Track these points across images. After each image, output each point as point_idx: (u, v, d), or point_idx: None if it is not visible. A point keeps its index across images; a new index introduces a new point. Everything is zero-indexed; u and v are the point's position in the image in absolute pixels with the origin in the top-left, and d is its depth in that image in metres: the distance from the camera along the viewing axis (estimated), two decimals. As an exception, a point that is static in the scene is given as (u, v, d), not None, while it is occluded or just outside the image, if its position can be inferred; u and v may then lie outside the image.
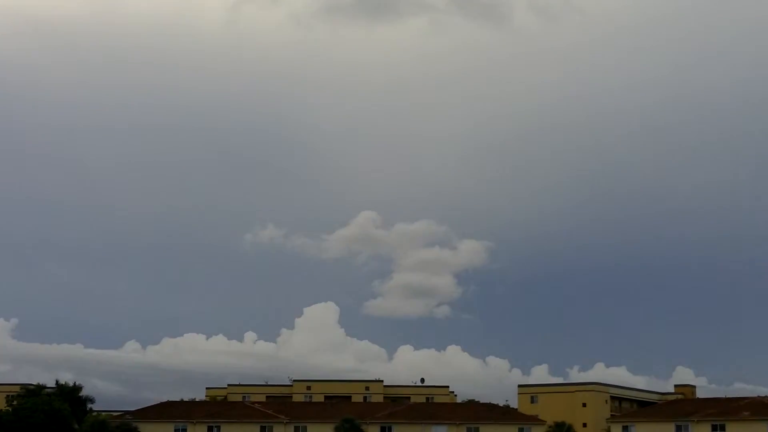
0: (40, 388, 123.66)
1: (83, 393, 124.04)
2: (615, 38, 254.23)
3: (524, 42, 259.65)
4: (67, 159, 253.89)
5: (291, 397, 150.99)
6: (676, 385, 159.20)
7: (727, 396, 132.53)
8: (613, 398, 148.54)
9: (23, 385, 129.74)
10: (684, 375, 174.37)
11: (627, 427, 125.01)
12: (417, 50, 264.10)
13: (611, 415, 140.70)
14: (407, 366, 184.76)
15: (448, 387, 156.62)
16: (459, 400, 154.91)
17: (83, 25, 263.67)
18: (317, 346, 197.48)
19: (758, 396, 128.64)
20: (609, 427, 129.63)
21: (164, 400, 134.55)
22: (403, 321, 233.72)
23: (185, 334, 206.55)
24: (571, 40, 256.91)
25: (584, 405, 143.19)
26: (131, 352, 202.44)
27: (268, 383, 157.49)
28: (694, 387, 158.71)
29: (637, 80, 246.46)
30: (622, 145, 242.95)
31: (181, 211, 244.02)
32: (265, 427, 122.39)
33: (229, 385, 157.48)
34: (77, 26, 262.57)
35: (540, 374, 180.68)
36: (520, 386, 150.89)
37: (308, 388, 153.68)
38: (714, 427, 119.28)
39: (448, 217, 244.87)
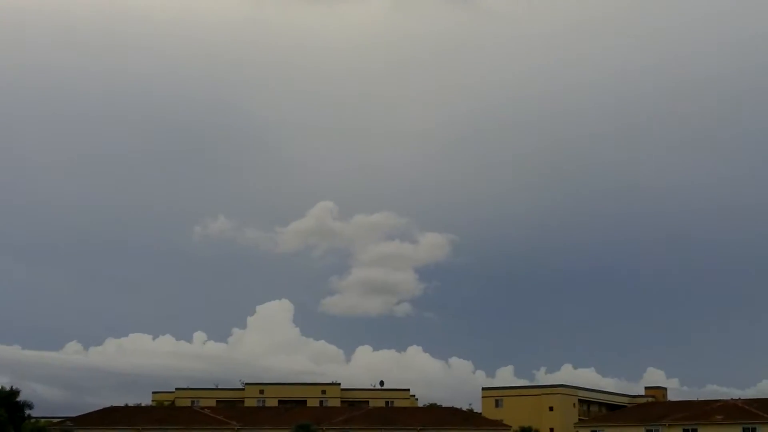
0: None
1: (21, 398, 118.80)
2: (592, 24, 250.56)
3: (495, 26, 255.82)
4: (2, 155, 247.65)
5: (243, 401, 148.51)
6: (646, 388, 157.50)
7: (700, 399, 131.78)
8: (581, 401, 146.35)
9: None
10: (655, 377, 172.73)
11: (596, 431, 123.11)
12: (379, 33, 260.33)
13: (579, 419, 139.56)
14: (366, 368, 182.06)
15: (408, 390, 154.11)
16: (420, 404, 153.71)
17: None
18: (271, 347, 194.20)
19: (731, 399, 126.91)
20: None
21: (108, 405, 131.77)
22: (362, 320, 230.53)
23: (130, 335, 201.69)
24: (545, 25, 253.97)
25: (551, 409, 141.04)
26: (72, 354, 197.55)
27: (219, 387, 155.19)
28: (665, 389, 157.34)
29: (614, 72, 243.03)
30: (596, 141, 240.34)
31: (126, 204, 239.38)
32: None
33: (177, 388, 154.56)
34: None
35: (505, 376, 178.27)
36: (484, 389, 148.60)
37: (261, 391, 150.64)
38: (686, 431, 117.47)
39: (410, 208, 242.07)
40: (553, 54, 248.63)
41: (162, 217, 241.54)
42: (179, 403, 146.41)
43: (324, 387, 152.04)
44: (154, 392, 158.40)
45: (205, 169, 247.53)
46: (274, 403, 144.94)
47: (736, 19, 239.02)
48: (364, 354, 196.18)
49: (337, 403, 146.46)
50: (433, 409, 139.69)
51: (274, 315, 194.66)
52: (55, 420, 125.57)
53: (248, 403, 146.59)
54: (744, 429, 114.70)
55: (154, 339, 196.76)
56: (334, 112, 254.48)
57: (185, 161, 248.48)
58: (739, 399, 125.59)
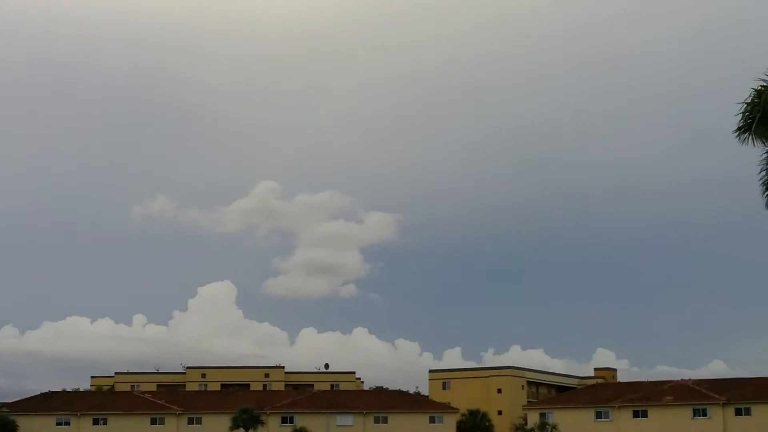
0: None
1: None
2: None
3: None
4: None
5: (184, 385, 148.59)
6: (596, 369, 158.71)
7: (650, 380, 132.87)
8: (530, 383, 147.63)
9: None
10: (605, 357, 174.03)
11: (545, 414, 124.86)
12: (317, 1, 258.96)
13: (528, 401, 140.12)
14: (310, 350, 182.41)
15: (354, 373, 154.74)
16: (366, 387, 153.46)
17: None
18: (213, 330, 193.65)
19: (682, 379, 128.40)
20: (526, 415, 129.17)
21: (45, 390, 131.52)
22: (306, 301, 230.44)
23: (67, 318, 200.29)
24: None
25: (499, 391, 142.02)
26: (8, 338, 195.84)
27: (159, 371, 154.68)
28: (615, 370, 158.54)
29: (560, 37, 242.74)
30: (546, 112, 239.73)
31: (62, 183, 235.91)
32: (156, 418, 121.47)
33: (116, 373, 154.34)
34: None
35: (453, 358, 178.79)
36: (431, 371, 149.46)
37: (203, 375, 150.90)
38: (636, 414, 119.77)
39: (355, 187, 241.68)
40: (500, 16, 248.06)
41: (100, 197, 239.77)
42: (119, 387, 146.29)
43: (267, 370, 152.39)
44: (92, 377, 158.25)
45: (145, 147, 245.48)
46: (216, 387, 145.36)
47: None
48: (309, 336, 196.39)
49: (281, 386, 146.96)
50: (380, 392, 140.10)
51: (216, 297, 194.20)
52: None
53: (190, 387, 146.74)
54: (695, 410, 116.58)
55: (92, 322, 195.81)
56: (277, 89, 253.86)
57: (125, 139, 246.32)
58: (690, 380, 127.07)
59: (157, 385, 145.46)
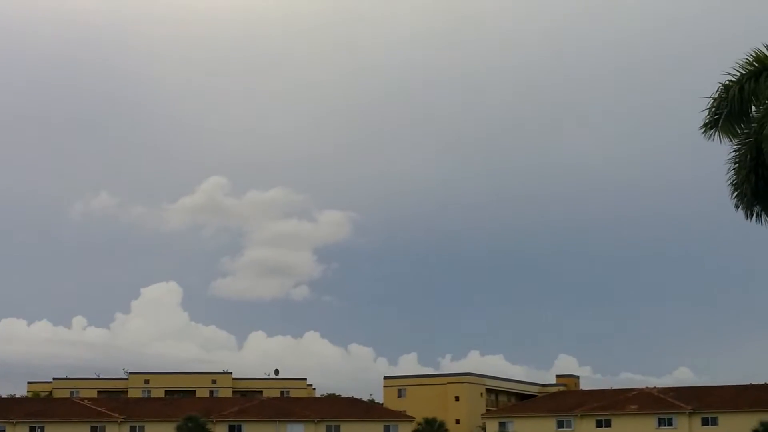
0: None
1: None
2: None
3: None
4: None
5: (126, 392, 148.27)
6: (558, 376, 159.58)
7: (614, 387, 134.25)
8: (489, 391, 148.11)
9: None
10: (567, 364, 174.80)
11: (504, 423, 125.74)
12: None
13: (487, 409, 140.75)
14: (259, 355, 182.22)
15: (305, 380, 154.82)
16: (318, 394, 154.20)
17: None
18: (157, 333, 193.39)
19: (647, 387, 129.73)
20: (484, 424, 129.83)
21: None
22: (256, 304, 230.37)
23: (2, 320, 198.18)
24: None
25: (457, 399, 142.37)
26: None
27: (100, 376, 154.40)
28: (577, 378, 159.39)
29: (535, 31, 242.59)
30: (506, 106, 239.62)
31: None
32: (96, 426, 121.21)
33: (54, 378, 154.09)
34: None
35: (408, 364, 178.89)
36: (386, 378, 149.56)
37: (146, 381, 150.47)
38: (599, 423, 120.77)
39: (307, 184, 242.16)
40: (466, 6, 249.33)
41: (37, 193, 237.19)
42: (57, 394, 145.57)
43: (214, 376, 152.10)
44: (29, 382, 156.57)
45: (86, 140, 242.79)
46: (160, 393, 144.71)
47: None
48: (258, 340, 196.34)
49: (228, 393, 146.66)
50: (332, 399, 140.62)
51: (161, 298, 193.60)
52: None
53: (132, 393, 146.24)
54: (660, 420, 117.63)
55: (29, 324, 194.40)
56: (225, 80, 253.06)
57: (64, 131, 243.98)
58: (655, 388, 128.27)
59: (98, 392, 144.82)
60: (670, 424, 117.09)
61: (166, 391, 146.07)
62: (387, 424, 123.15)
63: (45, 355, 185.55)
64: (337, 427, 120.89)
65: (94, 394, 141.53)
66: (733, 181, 29.53)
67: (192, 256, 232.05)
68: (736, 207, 29.84)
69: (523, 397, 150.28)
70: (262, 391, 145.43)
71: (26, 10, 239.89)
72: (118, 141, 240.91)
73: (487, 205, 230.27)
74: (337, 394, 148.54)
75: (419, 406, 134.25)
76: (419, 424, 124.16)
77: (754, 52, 28.62)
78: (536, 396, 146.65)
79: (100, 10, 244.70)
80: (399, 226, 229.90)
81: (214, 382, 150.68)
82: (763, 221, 29.42)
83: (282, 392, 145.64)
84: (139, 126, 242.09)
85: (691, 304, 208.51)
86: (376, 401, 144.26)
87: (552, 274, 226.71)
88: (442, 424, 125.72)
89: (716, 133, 29.05)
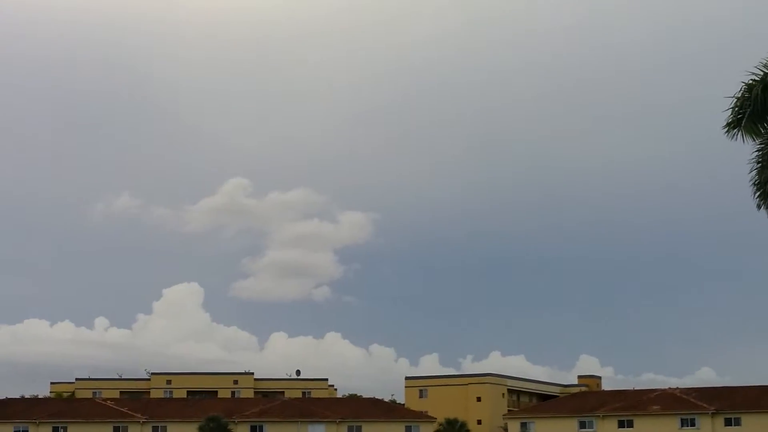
0: None
1: None
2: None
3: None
4: None
5: (149, 392, 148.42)
6: (579, 376, 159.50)
7: (636, 388, 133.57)
8: (510, 391, 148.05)
9: None
10: (588, 365, 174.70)
11: (526, 423, 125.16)
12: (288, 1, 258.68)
13: (509, 410, 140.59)
14: (281, 356, 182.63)
15: (327, 380, 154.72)
16: (339, 394, 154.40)
17: None
18: (178, 334, 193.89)
19: (669, 388, 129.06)
20: (506, 424, 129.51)
21: (2, 397, 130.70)
22: (277, 304, 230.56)
23: (25, 321, 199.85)
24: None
25: (479, 399, 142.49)
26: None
27: (123, 377, 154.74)
28: (599, 378, 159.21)
29: (544, 35, 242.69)
30: (529, 109, 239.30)
31: (21, 179, 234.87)
32: (119, 427, 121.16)
33: (77, 379, 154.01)
34: None
35: (430, 365, 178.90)
36: (407, 378, 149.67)
37: (168, 382, 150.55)
38: (621, 423, 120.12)
39: (329, 185, 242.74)
40: (485, 11, 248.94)
41: (61, 194, 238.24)
42: (80, 394, 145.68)
43: (236, 377, 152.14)
44: (52, 383, 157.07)
45: (109, 141, 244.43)
46: (182, 394, 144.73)
47: None
48: (279, 341, 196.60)
49: (250, 393, 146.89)
50: (353, 399, 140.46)
51: (182, 299, 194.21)
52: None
53: (154, 394, 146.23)
54: (683, 420, 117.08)
55: (51, 325, 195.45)
56: (247, 82, 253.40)
57: (87, 133, 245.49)
58: (677, 388, 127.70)
59: (120, 392, 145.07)
60: (693, 424, 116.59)
61: (188, 391, 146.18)
62: (408, 424, 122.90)
63: (67, 356, 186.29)
64: (359, 428, 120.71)
65: (116, 394, 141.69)
66: (756, 180, 29.47)
67: (213, 257, 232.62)
68: (758, 207, 29.79)
69: (544, 397, 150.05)
70: (283, 392, 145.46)
71: (50, 11, 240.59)
72: (140, 142, 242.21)
73: (509, 207, 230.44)
74: (358, 394, 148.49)
75: (441, 406, 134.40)
76: (441, 424, 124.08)
77: (777, 51, 28.59)
78: (558, 396, 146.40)
79: (124, 13, 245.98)
80: (420, 226, 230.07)
81: (235, 382, 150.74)
82: (786, 220, 29.37)
83: (303, 393, 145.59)
84: (161, 127, 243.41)
85: (713, 304, 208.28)
86: (397, 402, 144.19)
87: (574, 274, 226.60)
88: (463, 425, 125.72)
89: (739, 133, 29.00)
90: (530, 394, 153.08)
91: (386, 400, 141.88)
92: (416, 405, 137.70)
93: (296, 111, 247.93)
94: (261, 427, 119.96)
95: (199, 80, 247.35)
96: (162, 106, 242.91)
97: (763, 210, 29.70)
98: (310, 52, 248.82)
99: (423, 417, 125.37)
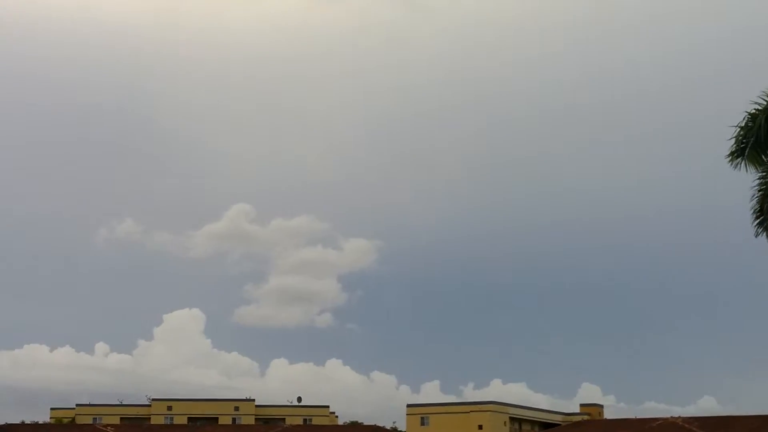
0: None
1: None
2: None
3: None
4: None
5: (149, 418, 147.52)
6: (581, 404, 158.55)
7: (638, 416, 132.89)
8: (512, 419, 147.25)
9: None
10: (590, 393, 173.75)
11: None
12: (295, 17, 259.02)
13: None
14: (282, 382, 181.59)
15: (328, 407, 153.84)
16: (341, 421, 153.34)
17: None
18: (179, 360, 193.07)
19: (671, 417, 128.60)
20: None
21: (1, 423, 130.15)
22: (279, 331, 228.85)
23: (25, 346, 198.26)
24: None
25: (480, 427, 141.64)
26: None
27: (123, 403, 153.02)
28: (601, 406, 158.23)
29: (541, 58, 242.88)
30: (533, 130, 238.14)
31: (20, 202, 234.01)
32: None
33: (77, 404, 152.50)
34: None
35: (431, 392, 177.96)
36: (409, 406, 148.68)
37: (169, 408, 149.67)
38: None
39: (333, 212, 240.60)
40: (486, 30, 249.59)
41: (62, 218, 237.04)
42: (80, 420, 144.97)
43: (237, 403, 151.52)
44: (52, 408, 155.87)
45: (112, 168, 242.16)
46: (183, 420, 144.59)
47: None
48: (281, 367, 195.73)
49: (251, 420, 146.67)
50: (355, 427, 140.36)
51: (184, 325, 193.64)
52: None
53: (155, 420, 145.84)
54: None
55: (51, 350, 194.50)
56: (251, 105, 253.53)
57: (89, 157, 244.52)
58: (680, 417, 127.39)
59: (121, 418, 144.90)
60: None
61: (188, 417, 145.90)
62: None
63: (67, 381, 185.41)
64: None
65: (116, 420, 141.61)
66: (756, 209, 29.63)
67: (216, 283, 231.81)
68: (756, 234, 29.92)
69: (546, 425, 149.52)
70: (284, 419, 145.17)
71: (50, 33, 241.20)
72: (143, 167, 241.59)
73: (511, 233, 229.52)
74: (359, 421, 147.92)
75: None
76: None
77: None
78: (560, 425, 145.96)
79: (124, 33, 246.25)
80: (423, 254, 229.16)
81: (236, 409, 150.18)
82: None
83: (305, 420, 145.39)
84: (164, 152, 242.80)
85: (716, 332, 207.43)
86: (399, 429, 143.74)
87: (575, 301, 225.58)
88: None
89: (742, 162, 29.17)
90: (532, 422, 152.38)
91: (388, 427, 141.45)
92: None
93: (301, 136, 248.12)
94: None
95: (202, 104, 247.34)
96: (165, 131, 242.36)
97: (762, 237, 29.88)
98: (314, 74, 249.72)
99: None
